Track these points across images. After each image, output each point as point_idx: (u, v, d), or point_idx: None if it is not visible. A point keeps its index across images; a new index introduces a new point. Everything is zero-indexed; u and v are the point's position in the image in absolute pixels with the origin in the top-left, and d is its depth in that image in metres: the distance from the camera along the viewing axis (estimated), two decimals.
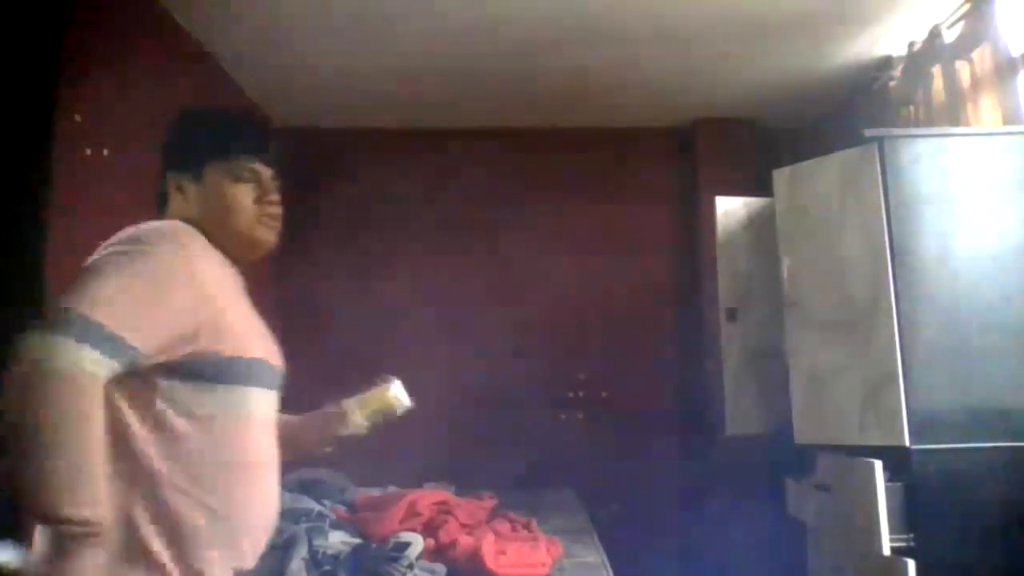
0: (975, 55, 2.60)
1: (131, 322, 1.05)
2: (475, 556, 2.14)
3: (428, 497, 2.58)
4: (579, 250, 4.05)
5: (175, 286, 1.13)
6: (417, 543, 2.18)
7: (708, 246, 3.59)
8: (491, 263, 3.99)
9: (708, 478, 3.77)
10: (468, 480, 3.29)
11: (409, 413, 1.46)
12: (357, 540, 2.22)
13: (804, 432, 2.52)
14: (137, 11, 2.56)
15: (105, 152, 2.31)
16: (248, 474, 1.21)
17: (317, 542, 2.04)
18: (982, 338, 2.20)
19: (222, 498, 1.15)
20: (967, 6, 2.67)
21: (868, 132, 2.37)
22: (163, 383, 1.12)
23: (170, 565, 1.09)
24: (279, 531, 2.02)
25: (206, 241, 1.24)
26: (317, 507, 2.34)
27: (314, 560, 1.97)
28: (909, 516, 2.16)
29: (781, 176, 2.69)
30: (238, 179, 1.26)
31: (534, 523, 2.62)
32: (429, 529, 2.36)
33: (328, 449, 1.46)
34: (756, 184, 3.31)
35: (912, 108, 2.96)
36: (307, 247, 3.68)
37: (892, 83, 3.13)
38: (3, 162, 1.97)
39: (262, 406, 1.25)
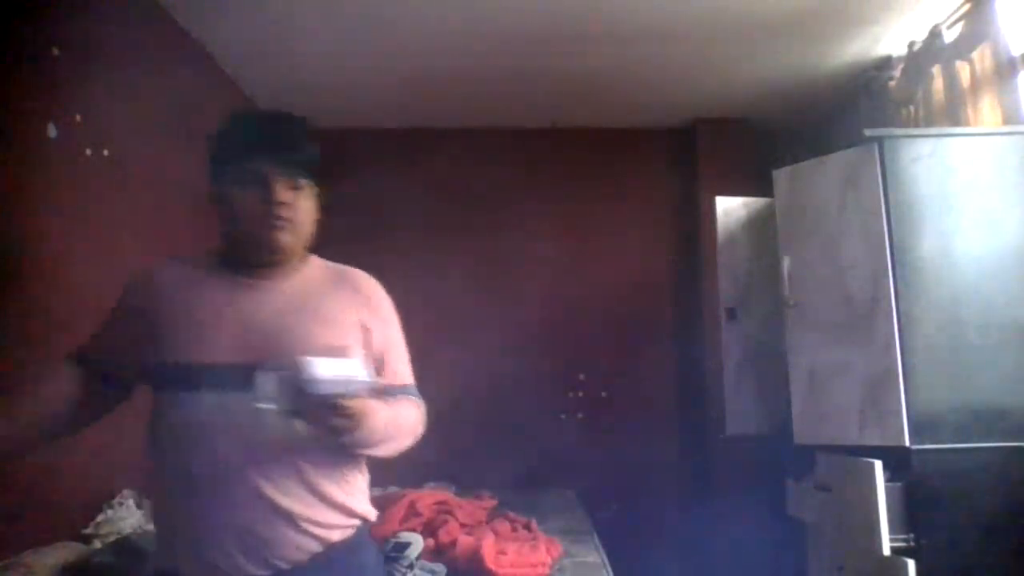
0: (975, 55, 2.60)
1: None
2: (475, 556, 2.14)
3: (428, 497, 2.58)
4: (579, 250, 4.05)
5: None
6: (417, 543, 2.18)
7: (708, 246, 3.60)
8: (491, 263, 3.99)
9: (708, 478, 3.77)
10: (468, 480, 3.29)
11: None
12: None
13: (804, 432, 2.52)
14: (137, 11, 2.56)
15: (105, 152, 2.31)
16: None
17: None
18: (982, 338, 2.20)
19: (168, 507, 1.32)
20: (967, 6, 2.68)
21: (868, 132, 2.37)
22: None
23: None
24: None
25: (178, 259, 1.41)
26: None
27: None
28: (909, 516, 2.16)
29: (781, 176, 2.69)
30: (241, 182, 1.30)
31: (534, 523, 2.62)
32: (429, 529, 2.36)
33: None
34: (756, 184, 3.31)
35: (912, 108, 2.96)
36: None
37: (892, 83, 3.13)
38: None
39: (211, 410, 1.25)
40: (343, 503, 1.32)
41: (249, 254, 1.34)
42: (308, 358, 1.13)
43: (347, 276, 1.46)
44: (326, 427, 1.17)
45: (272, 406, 1.14)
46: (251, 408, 1.15)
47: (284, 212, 1.31)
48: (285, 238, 1.32)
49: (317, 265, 1.45)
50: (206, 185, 1.35)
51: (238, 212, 1.31)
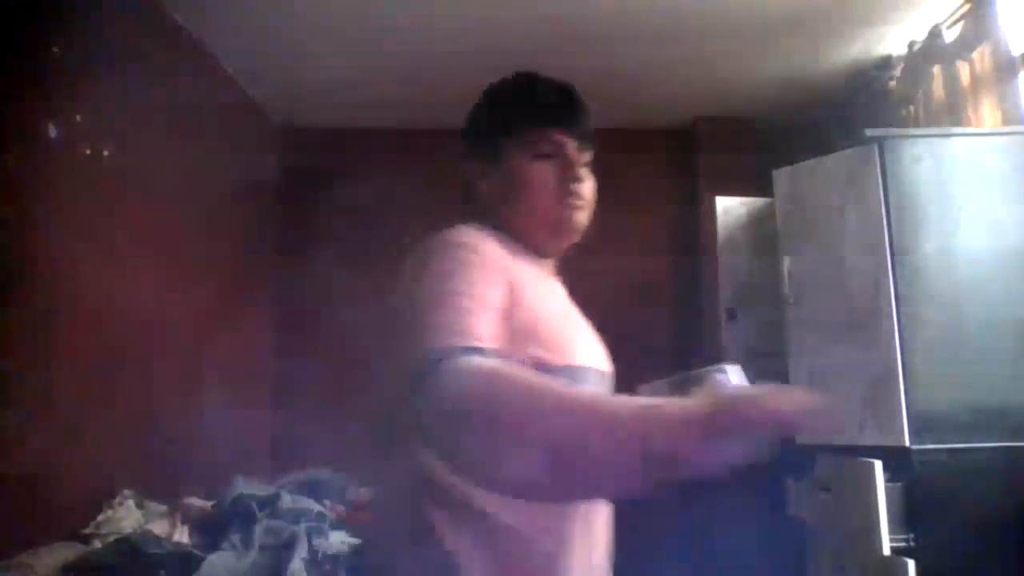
0: (975, 55, 2.60)
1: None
2: None
3: None
4: (578, 250, 4.01)
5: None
6: None
7: (708, 246, 3.59)
8: None
9: (708, 478, 3.77)
10: None
11: None
12: (357, 540, 2.22)
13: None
14: (137, 11, 2.56)
15: (105, 152, 2.31)
16: None
17: (317, 542, 2.05)
18: (982, 338, 2.20)
19: None
20: (967, 6, 2.67)
21: (868, 132, 2.37)
22: None
23: None
24: (279, 531, 2.03)
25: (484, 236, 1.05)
26: (317, 507, 2.34)
27: (314, 560, 1.97)
28: (909, 516, 2.16)
29: (781, 176, 2.70)
30: (537, 155, 1.09)
31: None
32: None
33: None
34: (756, 184, 3.31)
35: (912, 108, 2.96)
36: (307, 247, 3.67)
37: (892, 83, 3.13)
38: None
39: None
40: None
41: (540, 237, 1.13)
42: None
43: None
44: None
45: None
46: None
47: (584, 191, 1.12)
48: (583, 221, 1.14)
49: None
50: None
51: (531, 188, 1.08)
